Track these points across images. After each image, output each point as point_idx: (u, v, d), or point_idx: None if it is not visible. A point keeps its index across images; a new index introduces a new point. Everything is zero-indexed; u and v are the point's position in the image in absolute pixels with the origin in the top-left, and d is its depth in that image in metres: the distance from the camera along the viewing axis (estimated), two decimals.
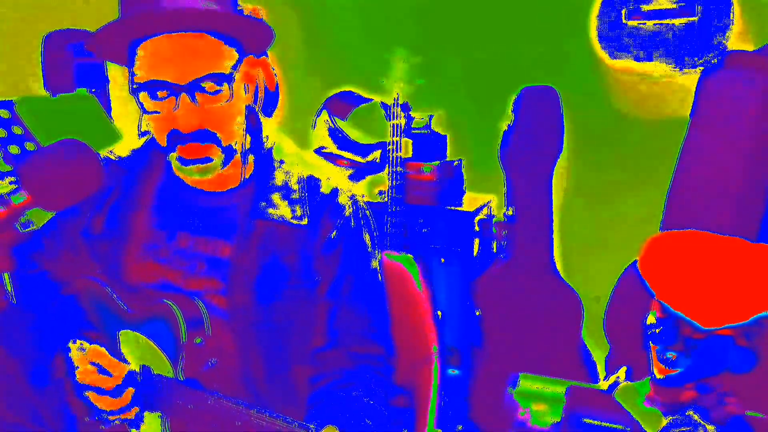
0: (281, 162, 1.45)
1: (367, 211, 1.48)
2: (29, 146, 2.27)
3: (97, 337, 1.47)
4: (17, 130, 2.29)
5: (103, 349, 1.40)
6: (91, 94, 2.69)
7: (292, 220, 1.39)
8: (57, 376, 1.48)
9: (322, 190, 1.42)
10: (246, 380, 1.40)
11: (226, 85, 1.29)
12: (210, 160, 1.32)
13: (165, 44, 1.26)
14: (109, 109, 3.00)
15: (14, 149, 2.24)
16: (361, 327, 1.42)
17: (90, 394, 1.38)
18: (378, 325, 1.44)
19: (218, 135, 1.31)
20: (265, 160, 1.44)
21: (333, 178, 1.45)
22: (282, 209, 1.40)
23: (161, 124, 1.30)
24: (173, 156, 1.32)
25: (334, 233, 1.40)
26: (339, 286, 1.41)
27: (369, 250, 1.46)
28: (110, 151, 1.52)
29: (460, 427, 1.15)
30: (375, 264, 1.46)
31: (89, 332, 1.47)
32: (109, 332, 1.46)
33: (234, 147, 1.35)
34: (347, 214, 1.42)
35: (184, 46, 1.26)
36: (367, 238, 1.46)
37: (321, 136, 3.02)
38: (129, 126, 2.77)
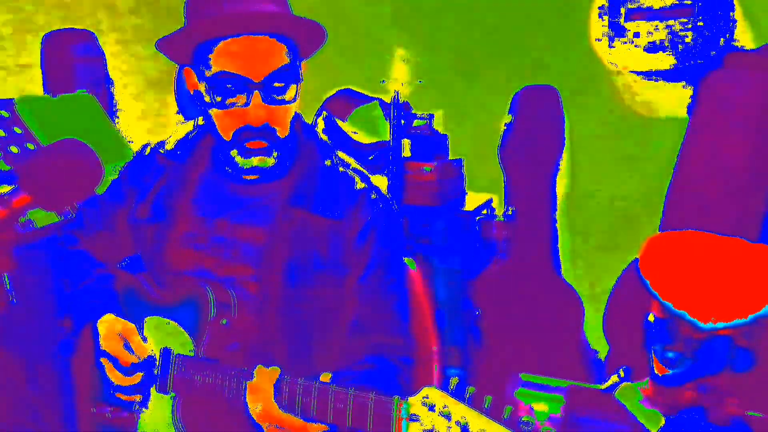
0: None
1: (396, 208, 1.55)
2: (29, 146, 2.28)
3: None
4: (17, 130, 2.30)
5: (134, 328, 1.47)
6: (91, 94, 2.69)
7: (326, 212, 1.46)
8: (83, 348, 1.55)
9: (356, 186, 1.50)
10: (268, 364, 1.43)
11: (293, 86, 1.40)
12: (270, 153, 1.42)
13: (237, 45, 1.37)
14: (109, 109, 3.00)
15: (14, 149, 2.24)
16: (386, 319, 1.48)
17: (105, 363, 1.46)
18: (401, 318, 1.50)
19: (277, 130, 1.42)
20: (305, 153, 1.52)
21: (367, 176, 1.54)
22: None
23: (230, 121, 1.40)
24: (235, 151, 1.42)
25: (364, 226, 1.46)
26: (367, 278, 1.47)
27: (397, 246, 1.52)
28: (158, 144, 1.62)
29: (455, 380, 1.18)
30: (403, 260, 1.53)
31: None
32: (137, 319, 1.52)
33: (285, 140, 1.45)
34: (378, 209, 1.49)
35: (257, 47, 1.37)
36: (396, 234, 1.52)
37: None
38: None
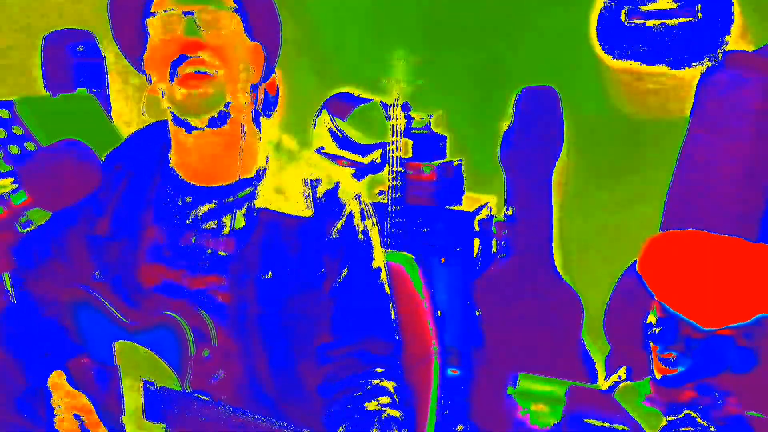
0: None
1: (371, 209, 1.48)
2: (29, 146, 2.27)
3: (79, 364, 1.44)
4: (17, 130, 2.30)
5: (90, 405, 1.39)
6: (91, 94, 2.69)
7: (297, 213, 1.38)
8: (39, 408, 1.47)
9: (325, 186, 1.42)
10: (251, 376, 1.39)
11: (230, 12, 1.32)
12: (202, 80, 1.29)
13: None
14: (109, 109, 3.00)
15: (14, 149, 2.24)
16: (369, 325, 1.42)
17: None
18: (385, 322, 1.45)
19: (217, 68, 1.30)
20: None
21: (336, 176, 1.45)
22: None
23: (163, 55, 1.30)
24: (174, 86, 1.31)
25: (339, 225, 1.40)
26: (344, 282, 1.40)
27: (374, 246, 1.45)
28: (111, 152, 1.51)
29: (460, 427, 1.16)
30: (380, 261, 1.46)
31: (72, 360, 1.44)
32: (105, 344, 1.43)
33: (230, 111, 1.34)
34: (350, 211, 1.42)
35: None
36: (372, 234, 1.46)
37: (321, 137, 3.02)
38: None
